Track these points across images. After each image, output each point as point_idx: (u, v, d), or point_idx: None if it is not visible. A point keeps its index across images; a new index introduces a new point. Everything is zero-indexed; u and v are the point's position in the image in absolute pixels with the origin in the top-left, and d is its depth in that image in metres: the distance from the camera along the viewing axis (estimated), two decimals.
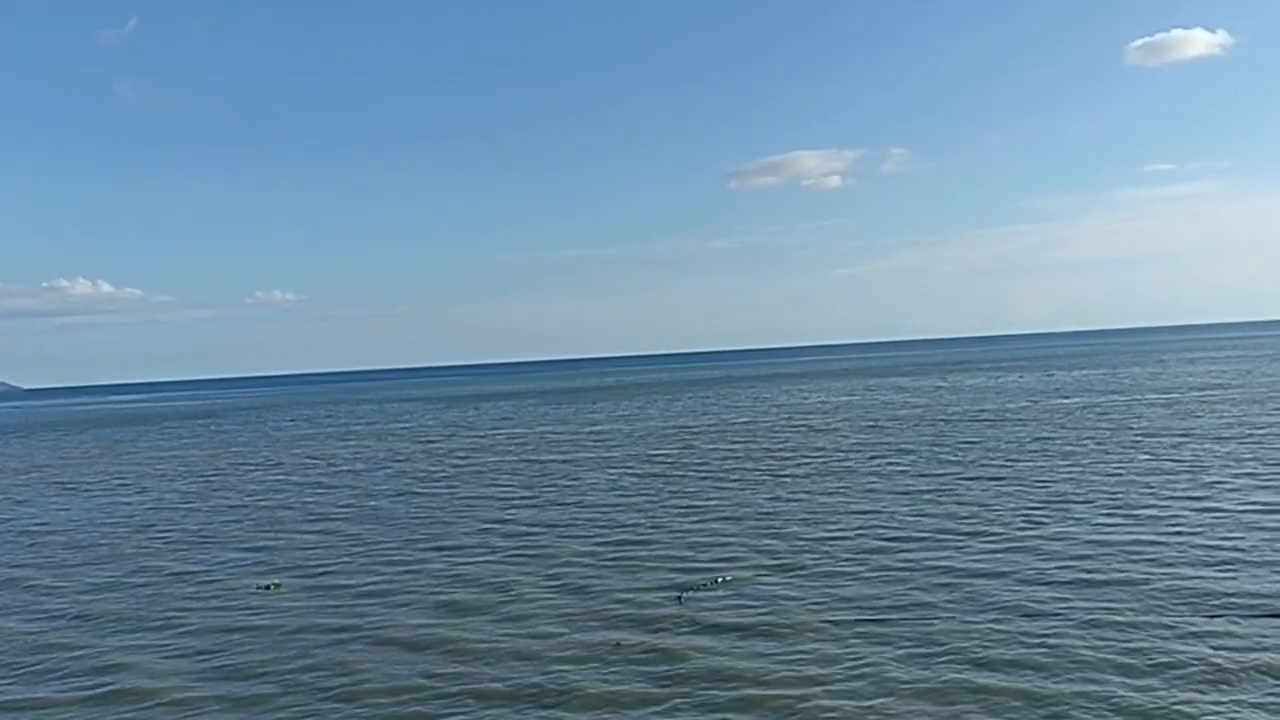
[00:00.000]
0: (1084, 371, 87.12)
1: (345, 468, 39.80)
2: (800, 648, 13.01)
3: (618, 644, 13.60)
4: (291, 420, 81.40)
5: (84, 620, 16.75)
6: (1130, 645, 12.30)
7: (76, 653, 14.75)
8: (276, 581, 18.75)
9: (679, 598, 15.91)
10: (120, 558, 22.35)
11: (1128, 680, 11.16)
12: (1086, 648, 12.26)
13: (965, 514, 21.56)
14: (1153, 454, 29.53)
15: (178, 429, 77.90)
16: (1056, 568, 16.33)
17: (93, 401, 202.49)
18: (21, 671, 14.01)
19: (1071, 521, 20.09)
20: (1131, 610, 13.72)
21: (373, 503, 29.05)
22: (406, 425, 66.32)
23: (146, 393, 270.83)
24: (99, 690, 12.98)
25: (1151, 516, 20.14)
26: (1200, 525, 19.02)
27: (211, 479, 38.34)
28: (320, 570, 19.66)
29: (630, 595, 16.26)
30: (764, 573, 17.28)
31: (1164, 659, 11.73)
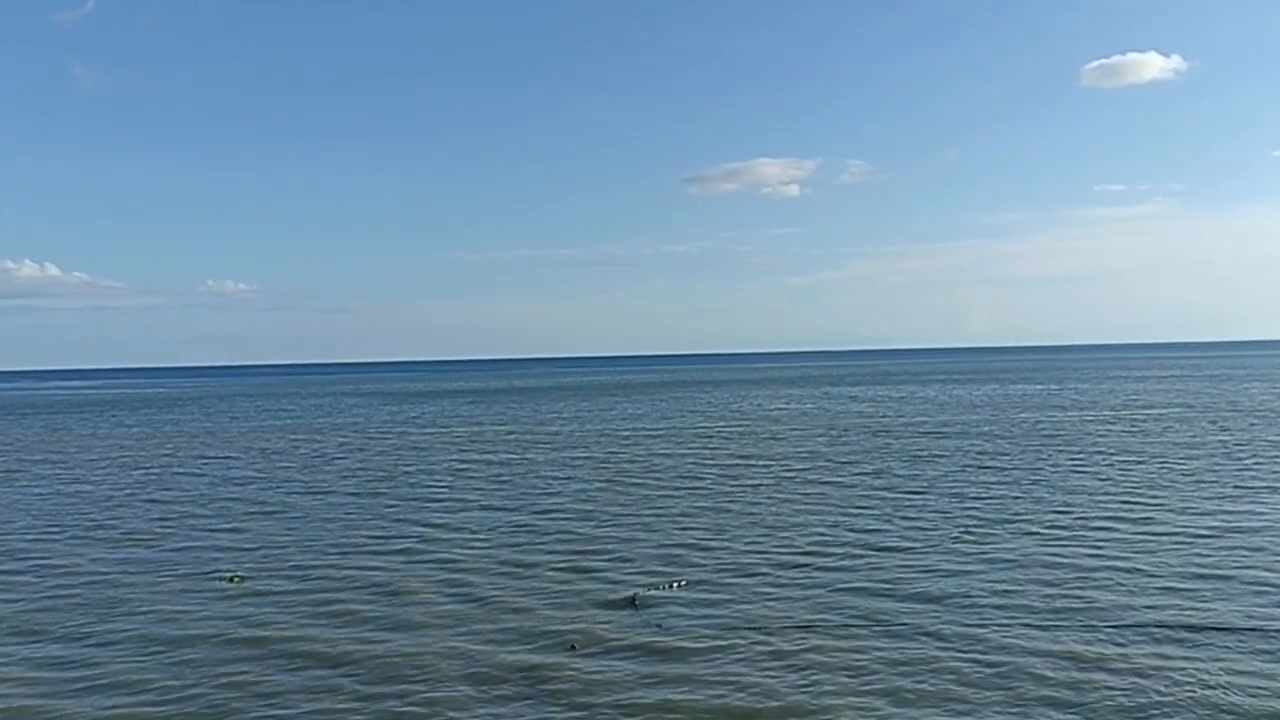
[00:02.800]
0: (1036, 386, 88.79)
1: (301, 462, 39.37)
2: (752, 652, 13.18)
3: (572, 646, 13.69)
4: (244, 412, 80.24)
5: (26, 614, 16.41)
6: (1065, 670, 12.62)
7: (12, 651, 14.49)
8: (241, 574, 18.55)
9: (633, 600, 16.01)
10: (64, 547, 21.92)
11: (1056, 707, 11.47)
12: (1029, 667, 12.57)
13: (920, 526, 21.96)
14: (1108, 473, 30.17)
15: (125, 417, 76.41)
16: (1011, 584, 16.69)
17: (36, 386, 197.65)
18: None
19: (1028, 537, 20.52)
20: (1070, 630, 14.07)
21: (328, 498, 28.81)
22: (359, 420, 65.72)
23: (93, 379, 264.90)
24: (39, 691, 12.77)
25: (1101, 536, 20.58)
26: (1154, 545, 19.45)
27: (161, 469, 37.70)
28: (279, 566, 19.47)
29: (584, 598, 16.35)
30: (717, 578, 17.45)
31: (1101, 679, 12.07)
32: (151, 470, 37.50)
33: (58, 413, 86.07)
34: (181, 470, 37.26)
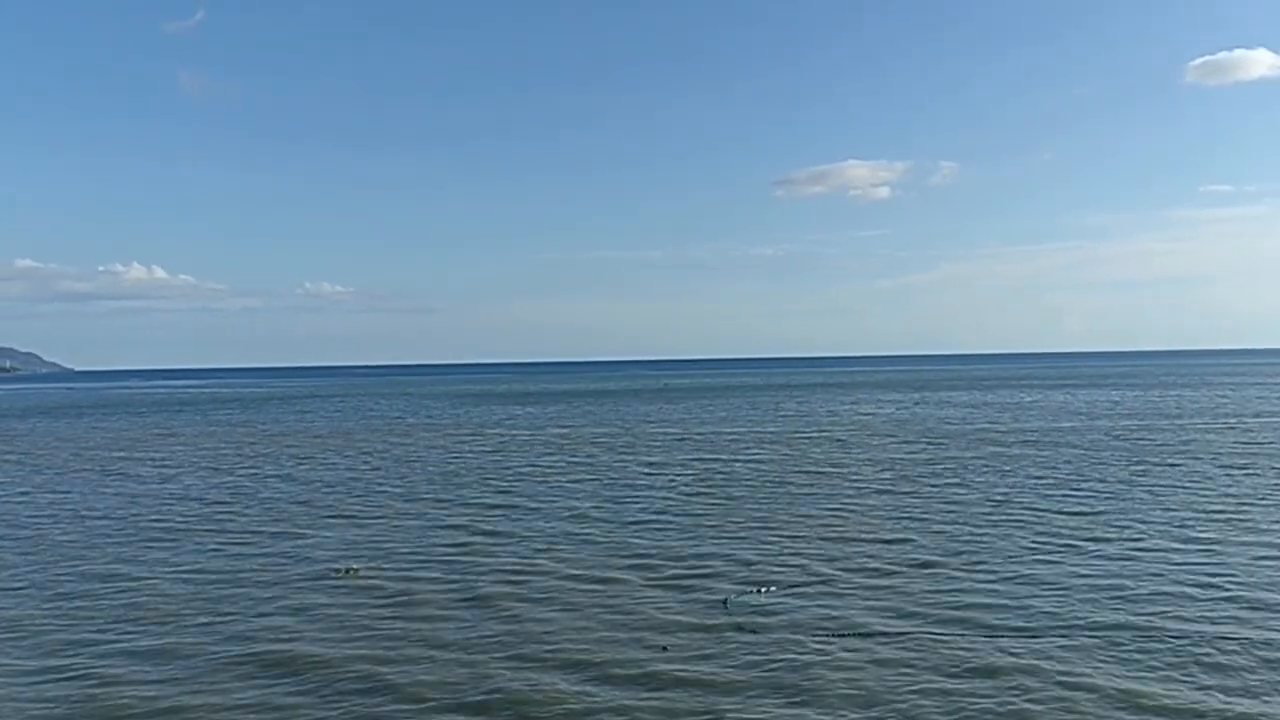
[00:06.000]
0: (1137, 393, 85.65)
1: (397, 461, 40.31)
2: (843, 658, 13.02)
3: (664, 647, 13.73)
4: (340, 412, 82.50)
5: (140, 604, 17.14)
6: (1164, 690, 12.17)
7: (133, 631, 15.14)
8: (354, 566, 19.09)
9: (725, 603, 15.96)
10: (185, 541, 22.83)
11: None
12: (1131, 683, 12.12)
13: (1019, 535, 21.41)
14: (1223, 489, 28.93)
15: (229, 415, 79.31)
16: (1110, 602, 16.18)
17: (142, 385, 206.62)
18: (86, 651, 14.38)
19: (1132, 554, 19.86)
20: (1162, 651, 13.54)
21: (426, 497, 29.46)
22: (450, 421, 66.96)
23: (195, 378, 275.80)
24: (160, 674, 13.32)
25: (1210, 557, 19.77)
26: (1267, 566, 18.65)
27: (265, 466, 39.01)
28: (386, 560, 19.95)
29: (676, 599, 16.39)
30: (809, 583, 17.29)
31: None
32: (256, 467, 38.82)
33: (165, 411, 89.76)
34: (285, 468, 38.48)
